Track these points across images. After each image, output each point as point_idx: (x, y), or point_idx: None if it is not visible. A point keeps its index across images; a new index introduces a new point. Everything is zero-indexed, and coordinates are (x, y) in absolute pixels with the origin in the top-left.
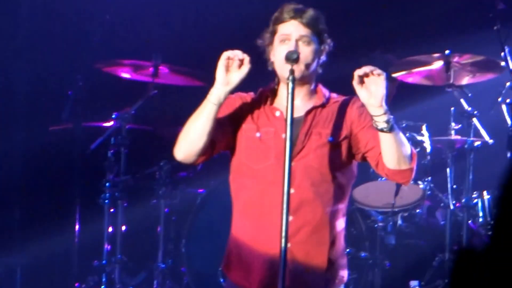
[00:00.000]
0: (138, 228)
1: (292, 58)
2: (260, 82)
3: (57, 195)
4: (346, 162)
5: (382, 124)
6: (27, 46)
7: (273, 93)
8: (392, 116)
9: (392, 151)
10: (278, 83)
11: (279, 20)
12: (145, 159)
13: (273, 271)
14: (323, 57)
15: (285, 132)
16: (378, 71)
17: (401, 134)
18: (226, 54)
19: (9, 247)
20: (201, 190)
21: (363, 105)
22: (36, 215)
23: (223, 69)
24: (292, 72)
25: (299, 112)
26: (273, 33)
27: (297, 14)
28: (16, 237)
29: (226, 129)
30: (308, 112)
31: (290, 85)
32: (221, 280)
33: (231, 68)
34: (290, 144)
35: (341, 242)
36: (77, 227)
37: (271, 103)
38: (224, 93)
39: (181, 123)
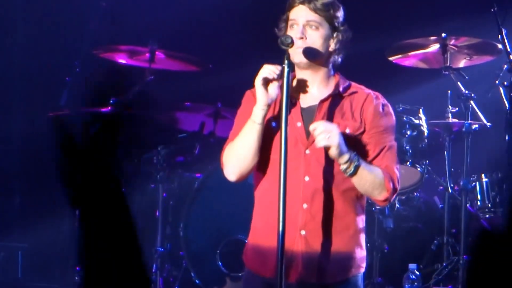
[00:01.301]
0: (136, 213)
1: (286, 42)
2: None
3: (56, 181)
4: (360, 154)
5: (345, 171)
6: (24, 33)
7: (291, 81)
8: (354, 162)
9: (361, 188)
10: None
11: (290, 6)
12: (142, 144)
13: (287, 258)
14: (337, 45)
15: (300, 121)
16: (316, 131)
17: (368, 175)
18: (262, 75)
19: (10, 232)
20: (198, 175)
21: (382, 107)
22: (36, 200)
23: (262, 89)
24: (288, 56)
25: (314, 100)
26: (286, 20)
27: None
28: (17, 222)
29: None
30: (323, 101)
31: (286, 69)
32: (219, 263)
33: (269, 85)
34: (285, 132)
35: (358, 232)
36: (77, 211)
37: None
38: (266, 111)
39: (177, 108)
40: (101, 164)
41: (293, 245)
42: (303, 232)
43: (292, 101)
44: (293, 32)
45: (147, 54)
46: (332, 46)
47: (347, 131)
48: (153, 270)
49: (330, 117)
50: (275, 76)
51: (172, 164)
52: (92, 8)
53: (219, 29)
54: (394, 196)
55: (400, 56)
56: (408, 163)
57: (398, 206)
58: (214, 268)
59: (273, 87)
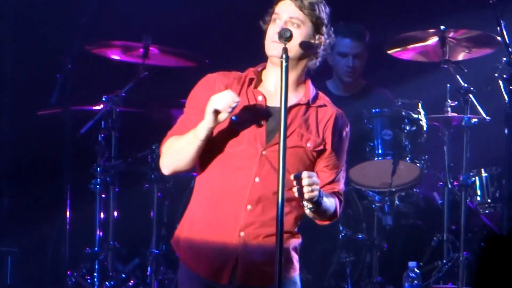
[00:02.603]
0: (130, 214)
1: (285, 36)
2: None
3: (47, 182)
4: (317, 172)
5: (306, 206)
6: (13, 29)
7: (260, 76)
8: (317, 201)
9: (314, 217)
10: (265, 67)
11: (276, 0)
12: (136, 143)
13: (222, 259)
14: (317, 48)
15: (263, 120)
16: (303, 182)
17: (324, 209)
18: (217, 107)
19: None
20: (195, 173)
21: (345, 130)
22: (26, 202)
23: (212, 116)
24: (285, 50)
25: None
26: (271, 13)
27: None
28: (5, 225)
29: None
30: (291, 107)
31: (284, 63)
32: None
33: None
34: (285, 126)
35: (295, 236)
36: (68, 213)
37: (256, 86)
38: (212, 129)
39: (172, 105)
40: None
41: (231, 246)
42: (242, 234)
43: (258, 97)
44: (274, 26)
45: (141, 50)
46: (312, 48)
47: (308, 145)
48: (148, 273)
49: (295, 126)
50: (229, 111)
51: None
52: (83, 2)
53: (215, 23)
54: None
55: (399, 49)
56: (407, 158)
57: (398, 203)
58: None
59: (224, 115)
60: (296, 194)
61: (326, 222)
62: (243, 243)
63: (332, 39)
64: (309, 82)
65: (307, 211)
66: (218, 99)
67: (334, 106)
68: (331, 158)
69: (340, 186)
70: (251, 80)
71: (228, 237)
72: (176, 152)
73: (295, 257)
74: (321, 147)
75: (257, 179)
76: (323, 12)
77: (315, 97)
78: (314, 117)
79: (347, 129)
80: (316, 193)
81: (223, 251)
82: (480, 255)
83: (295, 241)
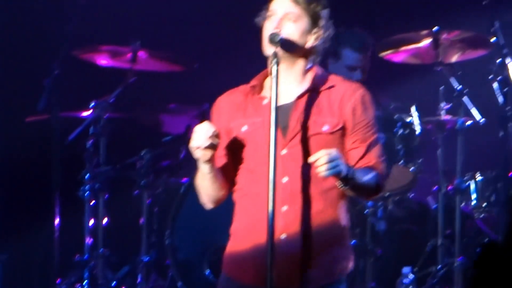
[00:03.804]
0: (120, 221)
1: (275, 40)
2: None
3: (35, 189)
4: (346, 152)
5: (339, 185)
6: None
7: (262, 81)
8: (349, 176)
9: (353, 195)
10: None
11: None
12: (125, 149)
13: (267, 264)
14: (313, 40)
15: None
16: (319, 162)
17: (361, 184)
18: (195, 145)
19: None
20: (184, 180)
21: (362, 100)
22: (14, 210)
23: (197, 153)
24: (275, 55)
25: (290, 97)
26: (267, 11)
27: None
28: None
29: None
30: (299, 97)
31: (274, 68)
32: (207, 271)
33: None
34: (275, 130)
35: (342, 232)
36: (56, 221)
37: (259, 92)
38: (210, 164)
39: (161, 110)
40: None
41: (274, 249)
42: (283, 236)
43: (263, 101)
44: (269, 23)
45: (129, 55)
46: (311, 41)
47: (325, 128)
48: (138, 280)
49: (306, 115)
50: (211, 142)
51: (156, 169)
52: (71, 7)
53: (205, 27)
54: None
55: (391, 51)
56: (400, 162)
57: (391, 207)
58: (202, 277)
59: (209, 152)
60: (320, 174)
61: (372, 197)
62: (286, 246)
63: (331, 32)
64: (315, 68)
65: (341, 188)
66: (192, 142)
67: (347, 82)
68: (357, 133)
69: (375, 159)
70: (253, 87)
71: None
72: (201, 190)
73: (342, 254)
74: (340, 125)
75: (284, 179)
76: (321, 5)
77: (325, 81)
78: (326, 100)
79: (367, 98)
80: (340, 169)
81: (267, 257)
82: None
83: (341, 237)
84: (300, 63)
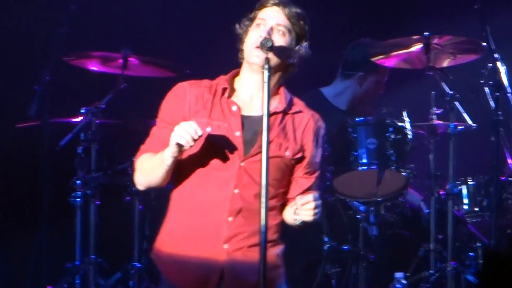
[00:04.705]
0: (111, 227)
1: (267, 45)
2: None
3: (26, 195)
4: (297, 177)
5: (295, 222)
6: None
7: (232, 85)
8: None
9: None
10: (237, 74)
11: (261, 5)
12: (116, 155)
13: (207, 272)
14: (294, 57)
15: (239, 130)
16: (308, 206)
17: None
18: (178, 140)
19: None
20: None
21: (322, 133)
22: (4, 216)
23: (176, 147)
24: (267, 60)
25: (257, 111)
26: (252, 19)
27: (281, 3)
28: None
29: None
30: (270, 115)
31: (266, 73)
32: None
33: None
34: (267, 138)
35: (279, 245)
36: (47, 227)
37: (229, 96)
38: (177, 157)
39: (153, 116)
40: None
41: (215, 258)
42: (226, 246)
43: (232, 107)
44: (258, 31)
45: (120, 60)
46: (292, 57)
47: (287, 153)
48: (131, 287)
49: (273, 136)
50: (192, 144)
51: None
52: (61, 12)
53: (195, 33)
54: None
55: (382, 56)
56: (392, 167)
57: (383, 212)
58: None
59: (187, 146)
60: (299, 217)
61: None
62: (228, 255)
63: (308, 54)
64: (282, 89)
65: (296, 224)
66: (181, 132)
67: (310, 109)
68: (310, 165)
69: (318, 190)
70: (224, 89)
71: (212, 250)
72: (147, 171)
73: (280, 264)
74: (300, 154)
75: (236, 191)
76: (307, 25)
77: (290, 103)
78: (291, 124)
79: (323, 133)
80: (318, 216)
81: (207, 264)
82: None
83: (278, 248)
84: (276, 78)
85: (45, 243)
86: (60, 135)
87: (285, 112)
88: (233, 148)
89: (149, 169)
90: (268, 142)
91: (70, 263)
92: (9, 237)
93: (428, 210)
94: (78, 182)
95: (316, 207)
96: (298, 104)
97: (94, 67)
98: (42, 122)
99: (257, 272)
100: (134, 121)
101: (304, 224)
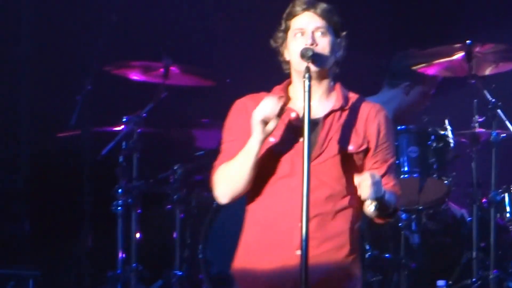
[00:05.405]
0: (153, 235)
1: (308, 55)
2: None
3: (68, 204)
4: (361, 172)
5: (369, 208)
6: (32, 51)
7: (288, 93)
8: (380, 200)
9: (377, 216)
10: (290, 83)
11: (292, 15)
12: (158, 164)
13: (282, 280)
14: (340, 52)
15: (303, 135)
16: (364, 183)
17: (386, 206)
18: (264, 113)
19: (20, 258)
20: None
21: (386, 121)
22: (47, 225)
23: (261, 126)
24: (308, 69)
25: (317, 113)
26: (286, 30)
27: (310, 6)
28: (27, 249)
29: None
30: (326, 116)
31: (307, 83)
32: None
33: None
34: (308, 146)
35: (354, 251)
36: (90, 236)
37: (286, 103)
38: (262, 142)
39: (193, 125)
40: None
41: (289, 266)
42: (298, 252)
43: (291, 114)
44: (301, 40)
45: (161, 70)
46: (339, 53)
47: (350, 148)
48: None
49: (333, 134)
50: (276, 117)
51: (189, 183)
52: (102, 22)
53: (236, 42)
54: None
55: (424, 64)
56: (434, 175)
57: (425, 220)
58: None
59: (272, 123)
60: (362, 196)
61: (388, 220)
62: (300, 261)
63: (347, 41)
64: (338, 86)
65: (372, 210)
66: (262, 108)
67: (368, 101)
68: (378, 154)
69: (394, 181)
70: (281, 97)
71: (285, 258)
72: (231, 176)
73: (355, 271)
74: (364, 146)
75: None
76: (336, 15)
77: (347, 99)
78: (350, 119)
79: (388, 120)
80: (381, 192)
81: (282, 272)
82: None
83: (353, 255)
84: (328, 78)
85: (87, 251)
86: (102, 144)
87: (342, 109)
88: (297, 154)
89: (233, 172)
90: (309, 150)
91: (111, 271)
92: (52, 246)
93: (470, 218)
94: (120, 190)
95: (373, 184)
96: (356, 98)
97: (135, 76)
98: (83, 131)
99: (331, 279)
100: (175, 130)
101: (380, 210)
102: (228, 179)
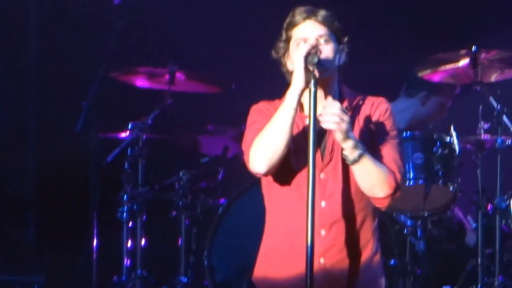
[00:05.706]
0: (158, 242)
1: (313, 62)
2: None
3: (73, 210)
4: None
5: (347, 157)
6: (38, 57)
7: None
8: (358, 149)
9: (363, 181)
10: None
11: (293, 24)
12: (163, 170)
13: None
14: (343, 57)
15: (308, 142)
16: (326, 111)
17: (372, 165)
18: (305, 51)
19: (26, 265)
20: (222, 200)
21: (386, 112)
22: (52, 231)
23: (302, 70)
24: (314, 76)
25: None
26: (288, 40)
27: (311, 14)
28: (32, 255)
29: None
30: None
31: (312, 89)
32: None
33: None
34: (313, 151)
35: (376, 255)
36: (95, 242)
37: (301, 110)
38: (301, 95)
39: (199, 131)
40: None
41: (312, 274)
42: (322, 260)
43: (306, 121)
44: (304, 48)
45: (167, 76)
46: (342, 58)
47: None
48: None
49: None
50: (316, 52)
51: (194, 190)
52: (108, 29)
53: (242, 48)
54: (396, 194)
55: (429, 71)
56: (439, 182)
57: (430, 227)
58: None
59: (309, 73)
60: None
61: (383, 195)
62: (324, 269)
63: (350, 47)
64: (344, 88)
65: (350, 162)
66: (301, 49)
67: (372, 97)
68: (379, 140)
69: (393, 162)
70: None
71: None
72: (267, 142)
73: (379, 276)
74: (370, 141)
75: (323, 204)
76: (337, 21)
77: (352, 99)
78: (355, 118)
79: (386, 107)
80: (342, 127)
81: (304, 280)
82: None
83: (376, 258)
84: (332, 83)
85: (92, 258)
86: (107, 150)
87: (348, 110)
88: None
89: (268, 137)
90: (314, 157)
91: (117, 278)
92: (57, 252)
93: (475, 225)
94: (125, 197)
95: (337, 114)
96: (360, 97)
97: (140, 82)
98: (89, 137)
99: (353, 284)
100: (181, 137)
101: (360, 170)
102: (264, 146)
